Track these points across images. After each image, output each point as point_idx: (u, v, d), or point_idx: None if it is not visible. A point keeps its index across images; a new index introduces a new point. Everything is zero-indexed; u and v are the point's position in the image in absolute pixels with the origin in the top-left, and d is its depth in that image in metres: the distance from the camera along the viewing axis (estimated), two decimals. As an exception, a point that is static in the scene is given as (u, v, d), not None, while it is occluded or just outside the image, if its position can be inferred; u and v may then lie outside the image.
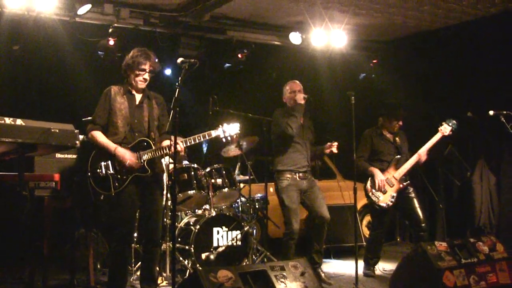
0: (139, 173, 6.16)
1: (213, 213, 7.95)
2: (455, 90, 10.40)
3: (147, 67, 6.26)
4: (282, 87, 7.84)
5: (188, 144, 6.35)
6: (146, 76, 6.28)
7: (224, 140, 6.50)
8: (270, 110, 7.92)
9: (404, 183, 7.86)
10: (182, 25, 9.77)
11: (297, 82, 7.76)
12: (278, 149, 7.64)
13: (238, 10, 9.75)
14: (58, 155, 6.98)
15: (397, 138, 8.14)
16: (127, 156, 6.09)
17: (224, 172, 8.29)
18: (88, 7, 8.64)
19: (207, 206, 8.26)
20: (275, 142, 7.68)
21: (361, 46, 11.51)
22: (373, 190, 7.84)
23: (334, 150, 7.57)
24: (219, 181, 8.19)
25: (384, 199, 7.81)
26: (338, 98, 9.02)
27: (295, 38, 10.39)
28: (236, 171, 8.82)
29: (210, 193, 8.08)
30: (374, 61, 11.80)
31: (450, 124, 7.94)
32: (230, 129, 6.49)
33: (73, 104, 9.55)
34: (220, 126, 6.48)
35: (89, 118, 7.92)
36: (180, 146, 6.15)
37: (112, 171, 6.09)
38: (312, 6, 9.30)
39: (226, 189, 8.21)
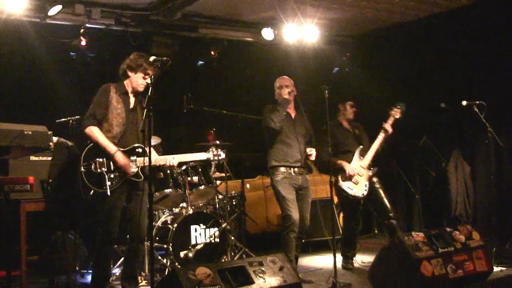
0: (133, 178, 6.25)
1: (190, 211, 7.95)
2: (427, 81, 10.46)
3: (150, 72, 6.31)
4: (255, 83, 7.84)
5: (179, 161, 6.61)
6: (149, 80, 6.29)
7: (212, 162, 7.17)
8: (244, 106, 7.92)
9: (373, 170, 7.97)
10: (154, 23, 9.73)
11: (286, 77, 7.71)
12: (269, 144, 7.58)
13: (210, 8, 9.71)
14: (32, 158, 6.93)
15: (356, 130, 8.27)
16: (124, 162, 6.17)
17: (200, 169, 8.26)
18: (58, 7, 8.56)
19: (184, 204, 8.24)
20: (266, 138, 7.63)
21: (334, 40, 11.52)
22: (345, 183, 7.87)
23: (312, 158, 7.55)
24: (195, 178, 8.16)
25: (358, 190, 7.86)
26: (311, 92, 9.01)
27: (267, 34, 10.38)
28: (212, 169, 8.78)
29: (186, 191, 8.06)
30: (347, 54, 11.82)
31: (399, 107, 8.11)
32: (219, 153, 6.97)
33: (46, 106, 9.46)
34: (211, 149, 6.94)
35: (63, 119, 7.94)
36: (173, 163, 6.49)
37: (106, 169, 6.13)
38: (284, 1, 9.30)
39: (202, 187, 8.18)
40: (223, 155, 6.99)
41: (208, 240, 7.89)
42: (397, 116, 8.09)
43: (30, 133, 5.61)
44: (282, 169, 7.41)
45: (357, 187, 7.86)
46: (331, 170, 7.14)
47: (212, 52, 10.68)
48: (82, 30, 9.28)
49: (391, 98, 8.62)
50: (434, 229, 6.75)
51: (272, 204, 8.97)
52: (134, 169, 6.22)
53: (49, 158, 7.00)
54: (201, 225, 7.91)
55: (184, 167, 8.18)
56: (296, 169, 7.45)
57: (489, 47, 9.58)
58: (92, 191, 6.16)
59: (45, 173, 6.87)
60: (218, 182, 8.87)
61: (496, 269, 7.15)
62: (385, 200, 7.96)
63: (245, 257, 7.98)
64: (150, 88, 5.81)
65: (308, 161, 7.77)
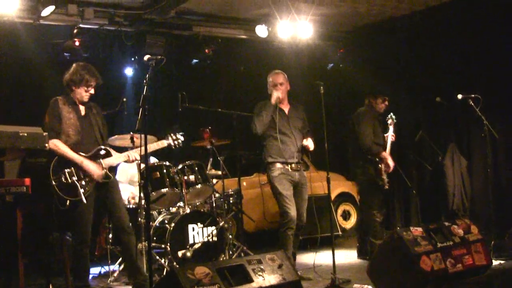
0: (103, 180, 6.47)
1: (188, 210, 7.93)
2: (422, 75, 10.46)
3: (93, 83, 6.54)
4: (250, 80, 7.81)
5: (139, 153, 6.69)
6: (92, 91, 6.57)
7: (173, 147, 7.20)
8: (239, 104, 7.89)
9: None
10: (147, 22, 9.70)
11: (280, 74, 7.60)
12: (263, 141, 7.53)
13: (203, 5, 9.70)
14: (27, 159, 6.89)
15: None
16: (92, 169, 6.39)
17: (196, 168, 8.23)
18: (51, 8, 8.52)
19: (181, 204, 8.22)
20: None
21: (328, 36, 11.50)
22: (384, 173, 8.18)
23: (310, 148, 7.51)
24: (191, 177, 8.13)
25: (387, 185, 8.23)
26: (306, 89, 9.00)
27: (261, 31, 10.34)
28: (209, 167, 8.75)
29: (183, 190, 8.04)
30: (341, 50, 11.81)
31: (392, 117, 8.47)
32: (178, 137, 7.22)
33: (41, 107, 9.39)
34: (169, 135, 7.18)
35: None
36: (135, 156, 6.70)
37: (76, 178, 6.31)
38: (278, -2, 9.26)
39: (199, 185, 8.15)
40: (182, 139, 7.27)
41: (206, 239, 7.86)
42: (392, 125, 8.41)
43: (26, 134, 5.64)
44: (279, 165, 7.37)
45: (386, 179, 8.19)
46: (328, 166, 7.10)
47: (206, 50, 10.62)
48: (75, 31, 9.29)
49: (385, 93, 8.61)
50: (432, 223, 6.73)
51: (269, 201, 8.97)
52: (101, 172, 6.45)
53: (45, 160, 6.95)
54: (199, 224, 7.89)
55: (180, 166, 8.15)
56: (293, 165, 7.41)
57: (484, 41, 9.55)
58: (68, 201, 6.24)
59: (40, 174, 6.82)
60: (214, 180, 8.84)
61: (495, 262, 7.15)
62: None
63: (243, 256, 7.94)
64: (145, 87, 5.77)
65: (304, 157, 7.75)
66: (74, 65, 6.64)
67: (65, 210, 6.43)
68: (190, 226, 7.85)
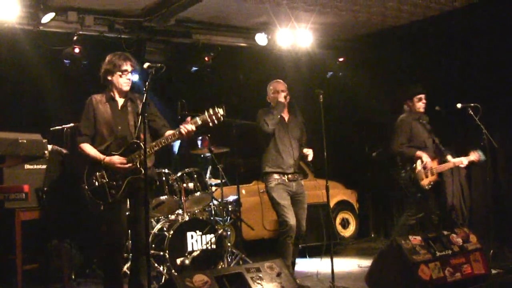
0: (133, 175, 5.97)
1: (186, 218, 7.93)
2: (422, 84, 10.44)
3: (128, 67, 6.18)
4: (249, 88, 7.80)
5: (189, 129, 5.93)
6: (130, 76, 6.20)
7: (211, 124, 5.92)
8: (239, 112, 7.88)
9: (439, 178, 8.04)
10: (147, 30, 9.71)
11: (281, 82, 7.63)
12: (263, 149, 7.48)
13: (203, 13, 9.68)
14: (27, 166, 6.90)
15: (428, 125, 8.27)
16: (115, 160, 5.98)
17: (195, 176, 8.25)
18: (51, 15, 8.55)
19: (180, 211, 8.22)
20: (260, 142, 7.53)
21: (327, 44, 11.48)
22: (420, 170, 7.89)
23: (309, 158, 7.49)
24: (190, 185, 8.15)
25: (424, 182, 7.87)
26: (306, 97, 9.01)
27: (261, 39, 10.37)
28: (208, 175, 8.76)
29: (182, 198, 8.05)
30: (341, 59, 11.82)
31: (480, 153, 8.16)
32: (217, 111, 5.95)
33: (40, 114, 9.43)
34: (206, 111, 5.95)
35: (57, 127, 7.92)
36: (191, 128, 5.92)
37: (106, 179, 5.99)
38: (278, 6, 9.26)
39: (198, 193, 8.17)
40: (221, 112, 5.90)
41: (204, 247, 7.85)
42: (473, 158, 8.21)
43: (25, 141, 5.60)
44: (276, 175, 7.33)
45: (424, 181, 7.88)
46: (326, 174, 7.10)
47: (206, 58, 10.61)
48: (75, 38, 9.25)
49: (384, 102, 8.60)
50: (431, 232, 6.72)
51: (268, 209, 8.93)
52: (126, 166, 5.95)
53: (44, 166, 6.98)
54: (197, 231, 7.88)
55: (179, 174, 8.16)
56: (290, 176, 7.36)
57: (483, 50, 9.57)
58: (102, 206, 6.04)
59: (40, 181, 6.85)
60: (213, 188, 8.84)
61: (494, 271, 7.12)
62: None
63: (242, 264, 7.94)
64: (145, 95, 5.72)
65: (303, 165, 7.74)
66: (107, 57, 6.29)
67: (104, 216, 6.19)
68: (189, 234, 7.83)
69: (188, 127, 5.89)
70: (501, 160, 9.54)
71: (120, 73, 6.15)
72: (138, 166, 5.93)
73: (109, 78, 6.20)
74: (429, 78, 10.23)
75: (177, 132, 5.95)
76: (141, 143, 5.88)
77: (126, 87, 6.21)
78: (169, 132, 6.12)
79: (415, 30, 10.46)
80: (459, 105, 8.06)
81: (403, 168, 8.03)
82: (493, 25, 9.37)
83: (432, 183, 7.89)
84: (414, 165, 7.90)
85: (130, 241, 6.41)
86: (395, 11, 9.89)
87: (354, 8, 9.61)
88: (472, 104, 8.03)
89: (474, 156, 8.12)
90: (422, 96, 8.18)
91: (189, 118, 5.98)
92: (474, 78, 9.69)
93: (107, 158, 5.99)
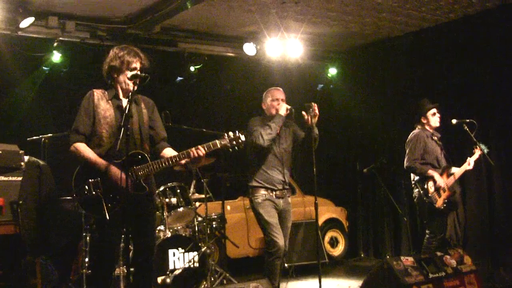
0: (136, 192, 5.36)
1: (169, 234, 7.82)
2: (414, 98, 10.30)
3: (138, 65, 5.59)
4: (236, 99, 7.53)
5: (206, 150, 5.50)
6: (139, 72, 5.57)
7: (231, 150, 5.57)
8: (225, 124, 7.65)
9: (451, 192, 7.91)
10: (131, 37, 9.52)
11: (280, 89, 7.23)
12: (252, 162, 7.09)
13: (190, 21, 9.57)
14: (1, 178, 6.63)
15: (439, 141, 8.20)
16: (116, 175, 5.31)
17: (178, 190, 8.08)
18: (31, 20, 8.38)
19: (162, 227, 7.97)
20: (249, 153, 7.11)
21: (318, 55, 11.49)
22: (433, 193, 7.79)
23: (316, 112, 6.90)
24: (173, 200, 7.97)
25: (439, 203, 7.75)
26: (295, 110, 8.80)
27: (249, 49, 10.25)
28: (191, 189, 8.55)
29: (164, 213, 7.87)
30: (332, 71, 11.68)
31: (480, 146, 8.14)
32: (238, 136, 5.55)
33: (17, 124, 9.23)
34: (226, 134, 5.56)
35: (35, 137, 7.69)
36: (202, 151, 5.43)
37: (101, 190, 5.33)
38: (267, 15, 9.16)
39: (181, 209, 8.00)
40: (243, 138, 5.51)
41: (187, 265, 7.69)
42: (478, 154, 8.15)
43: (0, 152, 5.43)
44: (263, 191, 6.95)
45: (439, 201, 7.77)
46: (315, 190, 6.79)
47: (192, 68, 10.53)
48: (55, 44, 9.11)
49: (375, 115, 8.44)
50: (424, 253, 6.56)
51: (254, 226, 8.74)
52: (128, 182, 5.13)
53: (20, 178, 6.70)
54: (180, 249, 7.76)
55: (162, 188, 7.99)
56: (277, 192, 6.99)
57: (479, 62, 9.50)
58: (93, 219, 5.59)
59: (15, 194, 6.57)
60: (197, 203, 8.59)
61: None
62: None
63: (226, 283, 7.83)
64: (127, 106, 5.28)
65: (292, 182, 7.45)
66: (111, 50, 5.68)
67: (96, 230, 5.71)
68: (171, 251, 7.70)
69: (200, 151, 5.41)
70: (497, 179, 9.35)
71: (129, 72, 5.54)
72: (143, 183, 5.41)
73: (115, 76, 5.62)
74: (422, 91, 10.11)
75: (185, 154, 5.42)
76: (147, 155, 5.43)
77: (133, 87, 5.52)
78: (170, 151, 5.62)
79: (410, 41, 10.45)
80: (454, 121, 8.08)
81: (416, 187, 7.97)
82: (489, 37, 9.32)
83: (446, 200, 7.80)
84: (426, 186, 7.80)
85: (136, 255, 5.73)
86: (388, 22, 9.84)
87: (347, 18, 9.53)
88: (468, 120, 7.92)
89: (478, 152, 8.10)
90: (435, 110, 8.15)
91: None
92: (470, 91, 9.57)
93: (112, 169, 5.34)
